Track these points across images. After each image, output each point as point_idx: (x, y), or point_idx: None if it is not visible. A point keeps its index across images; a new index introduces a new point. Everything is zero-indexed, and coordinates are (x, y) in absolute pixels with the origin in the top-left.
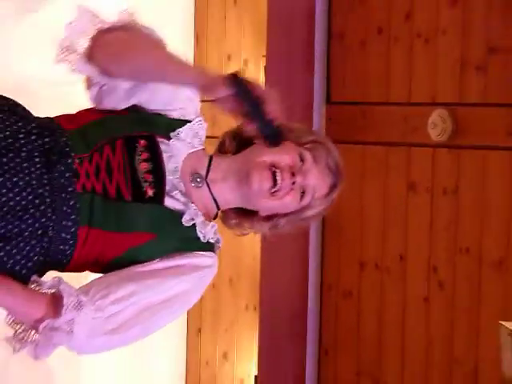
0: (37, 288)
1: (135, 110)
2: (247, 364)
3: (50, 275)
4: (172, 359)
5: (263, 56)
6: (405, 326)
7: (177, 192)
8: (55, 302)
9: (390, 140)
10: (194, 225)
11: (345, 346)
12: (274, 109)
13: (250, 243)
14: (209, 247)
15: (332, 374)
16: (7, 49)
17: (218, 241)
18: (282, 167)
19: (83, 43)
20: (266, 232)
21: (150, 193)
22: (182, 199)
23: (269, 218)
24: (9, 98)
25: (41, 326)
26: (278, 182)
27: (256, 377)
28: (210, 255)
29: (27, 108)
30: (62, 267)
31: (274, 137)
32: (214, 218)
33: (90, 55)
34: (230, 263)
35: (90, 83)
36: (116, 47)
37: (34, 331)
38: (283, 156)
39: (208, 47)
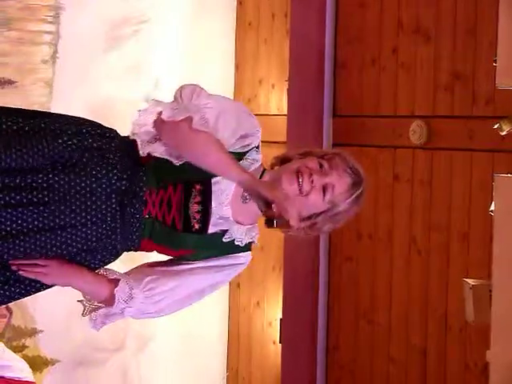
0: (105, 274)
1: None
2: (274, 310)
3: None
4: (217, 306)
5: (286, 80)
6: (392, 282)
7: (221, 219)
8: (112, 294)
9: (380, 143)
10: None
11: (347, 296)
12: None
13: None
14: (246, 249)
15: (337, 316)
16: (97, 77)
17: (253, 240)
18: (304, 170)
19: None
20: (307, 231)
21: (196, 227)
22: (225, 223)
23: (306, 218)
24: (102, 128)
25: (99, 311)
26: (300, 181)
27: (281, 320)
28: (243, 255)
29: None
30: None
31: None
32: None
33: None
34: (262, 236)
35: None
36: (178, 142)
37: (96, 310)
38: (306, 162)
39: (245, 74)
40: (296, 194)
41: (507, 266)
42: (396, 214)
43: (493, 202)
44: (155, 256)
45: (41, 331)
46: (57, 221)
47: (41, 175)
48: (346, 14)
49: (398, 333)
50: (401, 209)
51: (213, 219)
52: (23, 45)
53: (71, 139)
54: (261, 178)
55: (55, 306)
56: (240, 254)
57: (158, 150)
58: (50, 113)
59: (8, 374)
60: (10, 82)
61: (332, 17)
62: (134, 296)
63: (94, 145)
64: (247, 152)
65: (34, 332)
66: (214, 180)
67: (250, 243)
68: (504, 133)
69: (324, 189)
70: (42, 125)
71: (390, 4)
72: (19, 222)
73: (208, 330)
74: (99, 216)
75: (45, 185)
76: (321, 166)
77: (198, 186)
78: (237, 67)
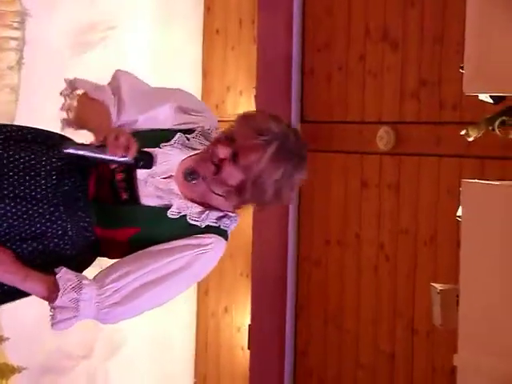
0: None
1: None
2: (243, 316)
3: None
4: (186, 312)
5: (253, 87)
6: (360, 288)
7: (159, 191)
8: (57, 286)
9: (348, 149)
10: (184, 216)
11: (315, 302)
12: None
13: (245, 227)
14: (209, 231)
15: (306, 322)
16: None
17: (219, 225)
18: (212, 152)
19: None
20: (246, 203)
21: (125, 196)
22: (166, 196)
23: (232, 192)
24: (46, 132)
25: (51, 306)
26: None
27: (249, 325)
28: (208, 236)
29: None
30: (101, 255)
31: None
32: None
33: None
34: (230, 242)
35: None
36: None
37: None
38: (214, 145)
39: (212, 80)
40: (212, 175)
41: (474, 271)
42: (364, 219)
43: (460, 208)
44: None
45: (7, 338)
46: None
47: None
48: (313, 21)
49: (366, 338)
50: (369, 214)
51: (145, 189)
52: None
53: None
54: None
55: (22, 313)
56: (204, 235)
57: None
58: None
59: None
60: None
61: (299, 24)
62: (83, 286)
63: (38, 139)
64: (193, 131)
65: (0, 339)
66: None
67: (214, 228)
68: (471, 139)
69: (234, 158)
70: None
71: (357, 12)
72: None
73: (176, 336)
74: (38, 190)
75: None
76: (226, 138)
77: None
78: (204, 74)
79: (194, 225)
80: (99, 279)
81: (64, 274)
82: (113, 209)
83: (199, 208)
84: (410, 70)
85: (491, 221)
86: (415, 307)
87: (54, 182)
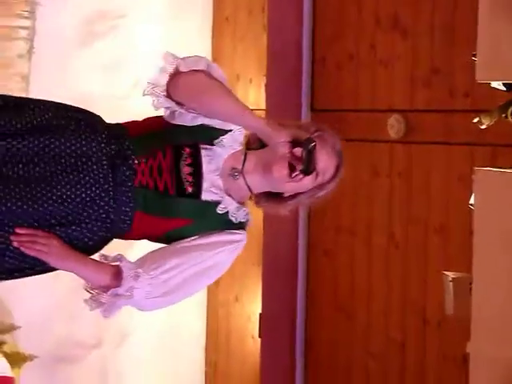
0: (103, 260)
1: None
2: (253, 305)
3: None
4: (196, 301)
5: (264, 76)
6: (371, 277)
7: (213, 188)
8: (117, 273)
9: (359, 138)
10: (227, 212)
11: (326, 291)
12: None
13: (256, 216)
14: (240, 226)
15: (316, 311)
16: (74, 72)
17: (248, 220)
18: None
19: (164, 80)
20: (290, 209)
21: (190, 190)
22: (219, 193)
23: (292, 197)
24: (86, 111)
25: (108, 293)
26: (297, 168)
27: (260, 314)
28: (240, 232)
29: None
30: (121, 237)
31: (309, 171)
32: (250, 199)
33: (170, 91)
34: None
35: (159, 105)
36: (197, 89)
37: (103, 294)
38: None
39: (222, 69)
40: (286, 179)
41: (487, 259)
42: (375, 207)
43: (472, 196)
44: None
45: (19, 327)
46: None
47: (31, 138)
48: (323, 9)
49: (377, 327)
50: (380, 203)
51: (205, 184)
52: None
53: (55, 110)
54: (244, 161)
55: (33, 302)
56: (236, 231)
57: (172, 106)
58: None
59: None
60: None
61: (310, 12)
62: (140, 275)
63: (80, 116)
64: (230, 130)
65: (12, 328)
66: (202, 146)
67: (244, 223)
68: (484, 126)
69: (317, 173)
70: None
71: (367, 0)
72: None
73: (187, 325)
74: (91, 176)
75: (36, 149)
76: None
77: (187, 149)
78: (214, 62)
79: (230, 220)
80: (148, 268)
81: (126, 263)
82: (170, 199)
83: (236, 204)
84: (421, 59)
85: (505, 208)
86: (426, 296)
87: (105, 167)
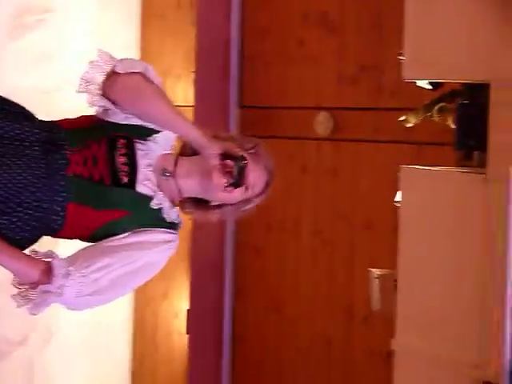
0: (33, 255)
1: None
2: (181, 301)
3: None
4: (124, 297)
5: (192, 72)
6: (299, 273)
7: (148, 182)
8: (48, 270)
9: (287, 135)
10: (160, 208)
11: (254, 287)
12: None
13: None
14: (172, 226)
15: (244, 307)
16: (3, 67)
17: (180, 222)
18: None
19: (100, 79)
20: (214, 219)
21: (125, 180)
22: (152, 188)
23: (218, 206)
24: (20, 105)
25: (38, 289)
26: (227, 181)
27: (188, 310)
28: (171, 232)
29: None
30: (54, 235)
31: (239, 185)
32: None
33: (106, 90)
34: None
35: (94, 103)
36: (133, 93)
37: (32, 291)
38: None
39: (150, 64)
40: (222, 188)
41: (412, 256)
42: (303, 204)
43: (398, 193)
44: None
45: None
46: None
47: None
48: (252, 5)
49: (304, 322)
50: (308, 200)
51: (140, 176)
52: None
53: None
54: (175, 165)
55: None
56: (169, 230)
57: (107, 105)
58: None
59: None
60: None
61: (238, 8)
62: (71, 273)
63: (14, 106)
64: (159, 132)
65: None
66: (136, 140)
67: (176, 224)
68: (410, 125)
69: (247, 186)
70: None
71: None
72: None
73: (114, 322)
74: (23, 160)
75: None
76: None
77: (121, 140)
78: (142, 57)
79: (163, 218)
80: (80, 267)
81: (57, 260)
82: (105, 188)
83: (169, 203)
84: (349, 56)
85: (429, 206)
86: (353, 292)
87: (37, 152)
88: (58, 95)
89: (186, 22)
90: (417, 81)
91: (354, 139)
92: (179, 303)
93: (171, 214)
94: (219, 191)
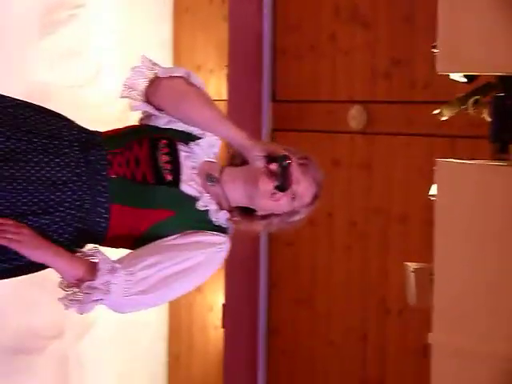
0: (78, 254)
1: None
2: (216, 295)
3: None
4: None
5: (226, 66)
6: (332, 267)
7: (193, 183)
8: (93, 266)
9: (320, 129)
10: (207, 210)
11: (288, 281)
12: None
13: None
14: (221, 230)
15: (278, 301)
16: (34, 62)
17: (229, 227)
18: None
19: (142, 85)
20: (261, 230)
21: (169, 178)
22: (198, 189)
23: (265, 217)
24: (58, 112)
25: (82, 286)
26: (272, 184)
27: (223, 304)
28: (222, 235)
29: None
30: (100, 241)
31: (284, 188)
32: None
33: (150, 96)
34: None
35: (137, 108)
36: (176, 96)
37: (78, 290)
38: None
39: (182, 59)
40: (268, 195)
41: (448, 250)
42: (336, 198)
43: (433, 187)
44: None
45: None
46: (19, 156)
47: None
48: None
49: (337, 316)
50: (340, 193)
51: (184, 176)
52: None
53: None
54: (221, 172)
55: None
56: (217, 233)
57: (150, 110)
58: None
59: None
60: None
61: (270, 2)
62: (117, 269)
63: (52, 112)
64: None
65: None
66: (179, 143)
67: (225, 229)
68: (444, 118)
69: (294, 197)
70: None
71: None
72: None
73: (149, 316)
74: (62, 158)
75: (11, 122)
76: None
77: (163, 141)
78: (175, 53)
79: (211, 221)
80: (127, 265)
81: (102, 255)
82: (149, 188)
83: (216, 205)
84: (381, 49)
85: (465, 199)
86: (387, 286)
87: (77, 151)
88: (89, 90)
89: (218, 16)
90: (450, 74)
91: (387, 133)
92: (213, 297)
93: (219, 216)
94: (265, 198)
